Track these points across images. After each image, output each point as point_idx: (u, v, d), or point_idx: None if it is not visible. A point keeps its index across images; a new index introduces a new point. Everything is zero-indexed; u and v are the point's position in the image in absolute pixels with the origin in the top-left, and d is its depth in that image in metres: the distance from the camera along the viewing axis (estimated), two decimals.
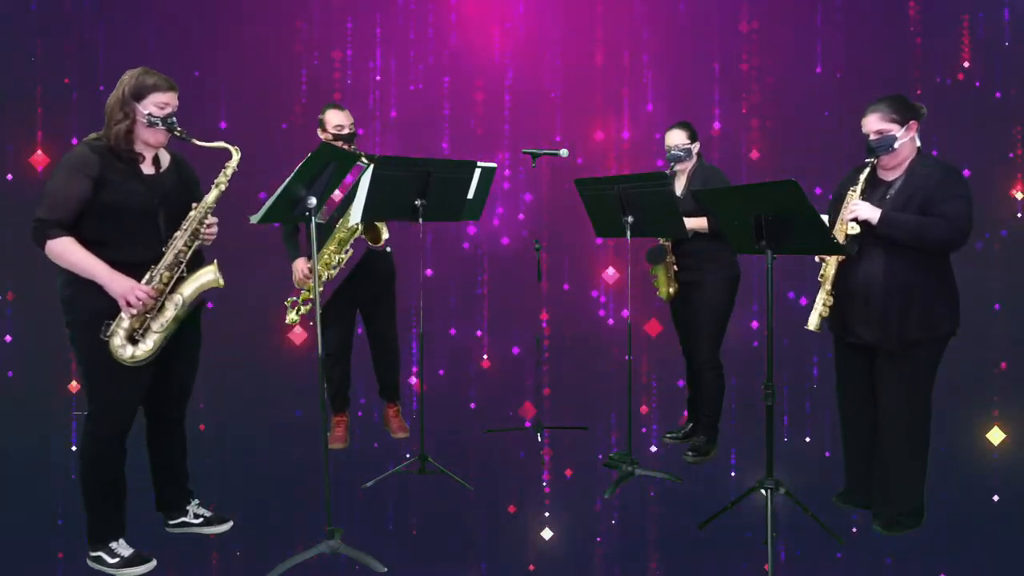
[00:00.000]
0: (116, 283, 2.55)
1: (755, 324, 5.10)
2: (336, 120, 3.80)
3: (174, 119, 2.68)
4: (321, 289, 3.78)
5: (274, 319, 3.89)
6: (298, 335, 5.02)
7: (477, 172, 3.51)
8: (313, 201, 2.72)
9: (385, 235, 3.82)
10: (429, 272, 5.21)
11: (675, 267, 3.76)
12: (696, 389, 3.92)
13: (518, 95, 5.25)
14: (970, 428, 4.08)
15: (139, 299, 2.56)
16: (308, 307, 3.82)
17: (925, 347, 2.89)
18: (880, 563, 2.80)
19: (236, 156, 2.76)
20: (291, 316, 3.83)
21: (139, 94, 2.62)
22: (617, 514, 3.24)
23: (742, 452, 3.85)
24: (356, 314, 4.06)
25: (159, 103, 2.64)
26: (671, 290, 3.80)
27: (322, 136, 3.83)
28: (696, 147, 3.77)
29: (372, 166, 3.20)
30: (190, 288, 2.69)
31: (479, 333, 5.27)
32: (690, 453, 3.77)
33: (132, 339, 2.60)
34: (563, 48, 5.25)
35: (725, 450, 3.84)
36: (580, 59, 5.25)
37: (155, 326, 2.63)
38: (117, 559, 2.69)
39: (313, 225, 2.80)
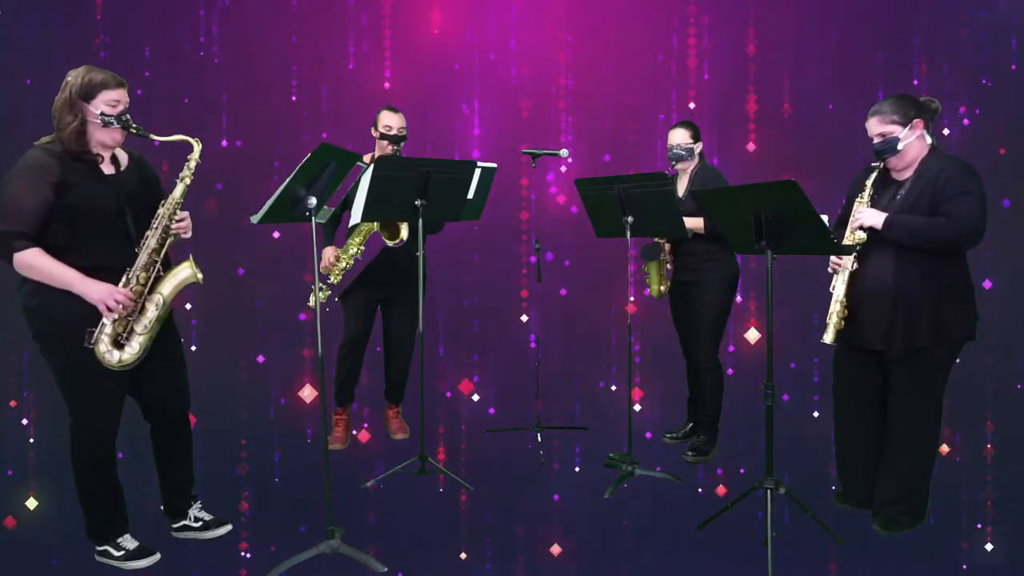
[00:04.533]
0: (93, 290, 2.50)
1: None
2: (386, 120, 3.87)
3: (128, 116, 2.60)
4: (340, 278, 3.82)
5: (270, 316, 3.88)
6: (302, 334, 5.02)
7: (477, 172, 3.51)
8: (313, 201, 2.73)
9: (404, 233, 3.78)
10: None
11: (668, 266, 3.76)
12: (696, 389, 3.93)
13: (522, 96, 5.25)
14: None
15: (118, 302, 2.52)
16: (328, 292, 3.82)
17: (935, 352, 2.84)
18: (880, 563, 2.80)
19: (198, 148, 2.73)
20: (314, 298, 3.85)
21: (88, 93, 2.54)
22: (617, 514, 3.24)
23: (742, 452, 3.85)
24: (376, 310, 4.04)
25: (110, 101, 2.56)
26: (662, 288, 3.80)
27: (374, 134, 3.92)
28: (699, 147, 3.77)
29: (372, 166, 3.20)
30: (169, 286, 2.67)
31: (477, 333, 5.27)
32: (690, 453, 3.77)
33: (117, 344, 2.58)
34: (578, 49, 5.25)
35: (725, 450, 3.85)
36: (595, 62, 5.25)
37: (138, 328, 2.61)
38: (123, 552, 2.73)
39: (315, 224, 2.80)
